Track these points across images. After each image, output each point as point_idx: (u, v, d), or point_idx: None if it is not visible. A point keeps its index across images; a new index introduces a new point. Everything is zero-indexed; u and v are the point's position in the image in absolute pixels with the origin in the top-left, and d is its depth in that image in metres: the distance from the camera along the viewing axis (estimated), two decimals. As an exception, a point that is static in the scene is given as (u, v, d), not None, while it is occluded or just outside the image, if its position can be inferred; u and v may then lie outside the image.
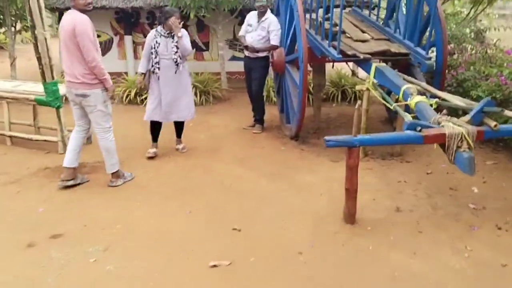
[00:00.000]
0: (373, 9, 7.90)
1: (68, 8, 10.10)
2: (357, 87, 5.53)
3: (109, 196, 4.42)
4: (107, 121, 4.57)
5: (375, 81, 5.32)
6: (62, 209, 4.15)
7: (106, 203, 4.27)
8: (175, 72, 5.24)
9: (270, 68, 6.72)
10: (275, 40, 6.30)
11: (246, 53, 6.52)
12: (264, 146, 6.04)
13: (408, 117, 4.08)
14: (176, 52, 5.20)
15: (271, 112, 7.43)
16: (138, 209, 4.14)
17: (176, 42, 5.19)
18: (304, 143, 6.11)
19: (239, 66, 9.80)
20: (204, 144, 6.13)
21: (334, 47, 5.58)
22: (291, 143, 6.13)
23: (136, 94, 8.43)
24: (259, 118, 6.73)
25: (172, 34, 5.22)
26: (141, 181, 4.80)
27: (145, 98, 7.89)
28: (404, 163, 5.40)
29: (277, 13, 6.79)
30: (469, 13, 9.16)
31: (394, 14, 6.91)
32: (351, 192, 3.85)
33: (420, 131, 3.74)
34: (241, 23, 10.33)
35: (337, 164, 5.31)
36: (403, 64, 5.90)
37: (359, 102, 3.55)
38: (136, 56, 10.26)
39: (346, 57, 5.53)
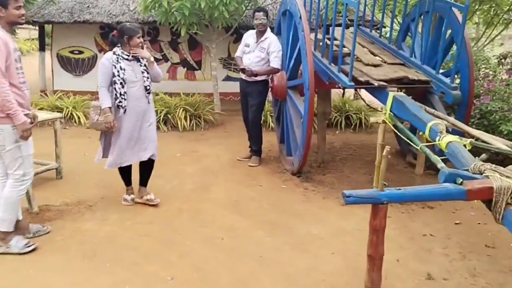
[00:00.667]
0: (378, 28, 7.23)
1: (48, 22, 9.41)
2: (372, 120, 4.77)
3: (72, 254, 3.57)
4: (20, 168, 3.43)
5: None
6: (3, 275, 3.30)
7: (63, 264, 3.41)
8: (148, 102, 4.29)
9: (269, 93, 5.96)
10: (275, 63, 5.55)
11: (243, 76, 5.76)
12: (262, 184, 5.24)
13: (442, 165, 3.32)
14: (148, 78, 4.24)
15: (269, 140, 6.66)
16: (105, 274, 3.30)
17: (144, 66, 4.24)
18: (308, 180, 5.32)
19: (233, 87, 9.06)
20: (192, 180, 5.32)
21: (344, 73, 4.84)
22: (292, 180, 5.33)
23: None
24: (256, 149, 5.94)
25: (136, 56, 4.19)
26: (114, 232, 3.96)
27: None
28: (426, 209, 4.63)
29: (277, 32, 6.05)
30: (482, 35, 8.50)
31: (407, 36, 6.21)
32: (375, 261, 3.04)
33: (461, 183, 2.97)
34: (236, 40, 9.64)
35: (347, 210, 4.52)
36: (419, 92, 5.17)
37: (386, 149, 2.83)
38: (122, 75, 9.46)
39: (358, 84, 4.79)
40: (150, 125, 4.36)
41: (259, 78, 5.65)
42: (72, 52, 9.41)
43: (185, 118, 7.65)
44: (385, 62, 5.53)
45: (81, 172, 5.39)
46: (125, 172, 4.45)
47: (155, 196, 4.52)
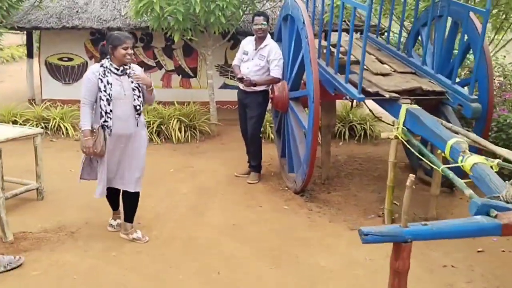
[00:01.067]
0: (383, 34, 6.83)
1: (35, 28, 8.97)
2: (383, 135, 4.34)
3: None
4: None
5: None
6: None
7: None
8: (137, 124, 3.70)
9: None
10: (276, 72, 5.13)
11: (241, 86, 5.34)
12: (262, 204, 4.80)
13: (471, 193, 2.91)
14: (139, 96, 3.65)
15: (269, 153, 6.22)
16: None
17: (137, 83, 3.64)
18: (312, 200, 4.89)
19: (230, 95, 8.62)
20: (186, 200, 4.87)
21: (352, 83, 4.43)
22: (295, 200, 4.91)
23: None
24: (255, 164, 5.51)
25: (127, 70, 3.62)
26: (97, 266, 3.52)
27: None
28: (444, 235, 4.18)
29: (278, 39, 5.63)
30: (491, 41, 8.09)
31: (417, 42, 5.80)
32: (397, 308, 2.61)
33: (495, 216, 2.55)
34: (233, 47, 9.22)
35: (357, 236, 4.06)
36: (431, 103, 4.76)
37: (410, 178, 2.40)
38: (113, 83, 9.01)
39: (367, 95, 4.37)
40: (138, 151, 3.78)
41: (258, 88, 5.23)
42: (61, 59, 8.96)
43: (180, 129, 7.20)
44: (394, 71, 5.12)
45: (65, 192, 4.94)
46: (111, 195, 3.98)
47: (143, 233, 3.97)
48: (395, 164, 4.33)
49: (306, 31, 4.40)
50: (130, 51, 3.55)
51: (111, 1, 8.43)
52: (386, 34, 6.13)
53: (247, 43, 5.32)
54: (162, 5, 6.42)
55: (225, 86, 9.17)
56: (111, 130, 3.58)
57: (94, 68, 3.60)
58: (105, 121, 3.55)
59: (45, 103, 8.30)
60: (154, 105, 7.56)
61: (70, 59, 8.96)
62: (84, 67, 9.00)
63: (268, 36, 5.23)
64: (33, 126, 7.04)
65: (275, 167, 6.00)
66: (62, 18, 8.15)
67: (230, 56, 9.04)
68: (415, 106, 4.23)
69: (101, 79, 3.51)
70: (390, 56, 5.61)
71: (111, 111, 3.54)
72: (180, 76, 9.17)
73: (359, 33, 8.81)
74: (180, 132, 7.18)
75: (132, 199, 3.85)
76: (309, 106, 4.38)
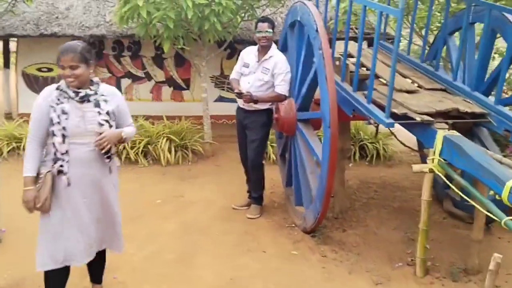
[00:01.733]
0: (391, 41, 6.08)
1: (11, 36, 8.16)
2: (415, 168, 3.53)
3: None
4: None
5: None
6: None
7: None
8: (110, 171, 2.73)
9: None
10: (282, 88, 4.35)
11: (240, 103, 4.55)
12: (266, 248, 3.99)
13: None
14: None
15: (272, 177, 5.44)
16: None
17: (106, 112, 2.63)
18: (325, 241, 4.09)
19: (227, 109, 7.88)
20: (173, 243, 4.04)
21: (376, 104, 3.65)
22: (305, 242, 4.09)
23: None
24: (256, 196, 4.70)
25: (91, 95, 2.60)
26: None
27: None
28: None
29: (283, 49, 4.85)
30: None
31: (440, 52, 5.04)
32: None
33: None
34: (230, 56, 8.44)
35: (386, 294, 3.28)
36: (465, 126, 3.98)
37: (495, 258, 1.62)
38: (97, 96, 8.19)
39: (394, 118, 3.57)
40: (108, 207, 2.75)
41: (261, 106, 4.44)
42: (39, 69, 8.14)
43: (169, 149, 6.39)
44: (420, 87, 4.35)
45: (29, 232, 4.09)
46: (55, 281, 2.74)
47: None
48: (430, 203, 3.53)
49: (320, 40, 3.61)
50: (69, 72, 2.51)
51: (95, 6, 7.65)
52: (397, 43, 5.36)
53: (248, 53, 4.53)
54: (150, 10, 5.63)
55: (220, 99, 8.41)
56: (69, 181, 2.56)
57: (46, 92, 2.58)
58: (61, 165, 2.54)
59: (22, 118, 7.46)
60: (141, 121, 6.75)
61: (50, 70, 8.15)
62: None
63: (274, 46, 4.44)
64: (3, 146, 6.22)
65: (279, 196, 5.20)
66: (40, 24, 7.36)
67: (226, 66, 8.30)
68: (455, 132, 3.45)
69: (53, 107, 2.52)
70: (413, 69, 4.85)
71: (66, 152, 2.54)
72: (172, 88, 8.39)
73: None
74: (170, 153, 6.37)
75: (101, 256, 2.99)
76: (324, 132, 3.58)
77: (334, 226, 4.43)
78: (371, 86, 3.62)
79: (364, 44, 9.69)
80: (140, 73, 8.27)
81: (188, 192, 5.31)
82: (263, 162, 4.69)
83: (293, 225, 4.42)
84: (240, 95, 4.31)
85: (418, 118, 3.57)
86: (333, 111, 3.49)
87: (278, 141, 5.30)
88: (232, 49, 8.13)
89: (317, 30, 3.67)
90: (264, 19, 4.40)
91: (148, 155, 6.44)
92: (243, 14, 6.57)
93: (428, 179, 3.50)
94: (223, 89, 8.41)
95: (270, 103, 4.48)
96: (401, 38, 5.93)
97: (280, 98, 4.37)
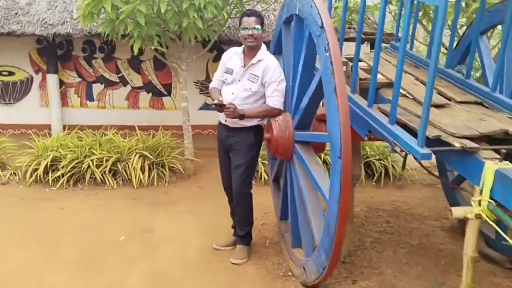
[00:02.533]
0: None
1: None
2: (456, 212, 2.60)
3: None
4: None
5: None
6: None
7: None
8: None
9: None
10: (275, 100, 3.41)
11: (222, 118, 3.60)
12: (254, 311, 3.04)
13: None
14: None
15: (263, 202, 4.55)
16: None
17: None
18: (331, 298, 3.15)
19: (213, 118, 6.84)
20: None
21: (400, 124, 2.73)
22: (305, 299, 3.16)
23: (47, 166, 5.37)
24: (243, 234, 3.75)
25: None
26: None
27: (63, 175, 4.92)
28: None
29: (275, 51, 3.91)
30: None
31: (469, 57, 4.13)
32: None
33: None
34: (217, 59, 7.49)
35: None
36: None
37: None
38: (64, 103, 7.24)
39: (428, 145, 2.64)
40: None
41: (247, 122, 3.51)
42: (-1, 73, 7.17)
43: (143, 168, 5.44)
44: (450, 100, 3.43)
45: None
46: None
47: None
48: (475, 259, 2.60)
49: (326, 39, 2.67)
50: None
51: (60, 1, 6.66)
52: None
53: (231, 56, 3.60)
54: (117, 3, 4.68)
55: (206, 106, 7.47)
56: None
57: None
58: None
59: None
60: (110, 134, 5.79)
61: (11, 73, 7.16)
62: (29, 83, 7.20)
63: (263, 47, 3.51)
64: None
65: (272, 229, 4.28)
66: (-4, 21, 6.36)
67: (212, 70, 7.35)
68: (509, 165, 2.52)
69: None
70: (436, 77, 3.92)
71: None
72: (150, 94, 7.42)
73: (366, 43, 7.21)
74: (143, 172, 5.42)
75: None
76: (333, 163, 2.64)
77: (342, 274, 3.49)
78: (395, 101, 2.69)
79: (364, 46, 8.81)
80: (114, 78, 7.30)
81: (161, 224, 4.35)
82: (251, 192, 3.74)
83: (290, 273, 3.48)
84: (221, 108, 3.37)
85: (457, 144, 2.64)
86: (345, 136, 2.55)
87: (270, 162, 4.36)
88: (219, 51, 7.19)
89: (322, 26, 2.73)
90: (251, 13, 3.46)
91: (118, 175, 5.48)
92: (230, 10, 5.63)
93: (473, 228, 2.57)
94: (209, 95, 7.45)
95: (259, 119, 3.55)
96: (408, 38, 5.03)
97: (272, 113, 3.43)
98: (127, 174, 5.43)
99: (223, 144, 3.69)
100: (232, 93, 3.51)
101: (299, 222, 3.34)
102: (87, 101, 7.31)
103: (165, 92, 7.44)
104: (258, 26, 3.38)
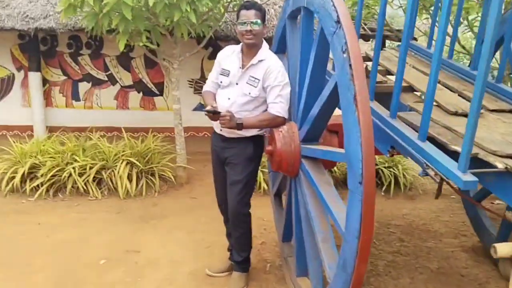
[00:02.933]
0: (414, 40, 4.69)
1: None
2: (501, 251, 2.13)
3: None
4: None
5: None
6: None
7: None
8: None
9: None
10: (278, 107, 2.93)
11: (216, 127, 3.12)
12: None
13: None
14: None
15: (262, 216, 4.09)
16: None
17: None
18: None
19: (208, 119, 6.42)
20: None
21: (432, 141, 2.26)
22: None
23: (25, 174, 4.87)
24: (240, 260, 3.27)
25: None
26: None
27: (42, 184, 4.44)
28: None
29: (278, 50, 3.43)
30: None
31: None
32: None
33: None
34: (213, 56, 7.02)
35: None
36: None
37: None
38: (48, 103, 6.74)
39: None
40: None
41: (246, 133, 3.02)
42: (-23, 71, 6.66)
43: (130, 177, 4.95)
44: (481, 107, 2.94)
45: None
46: None
47: None
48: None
49: (344, 37, 2.18)
50: None
51: (43, -8, 6.14)
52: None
53: (227, 56, 3.11)
54: (100, -6, 4.18)
55: (200, 107, 6.99)
56: None
57: None
58: None
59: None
60: (95, 139, 5.30)
61: (-10, 72, 6.65)
62: (10, 81, 6.69)
63: (265, 45, 3.03)
64: None
65: (273, 250, 3.81)
66: (-28, 15, 5.85)
67: (208, 68, 6.89)
68: None
69: None
70: (458, 79, 3.46)
71: None
72: (141, 94, 6.93)
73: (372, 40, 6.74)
74: (131, 181, 4.93)
75: None
76: (351, 191, 2.15)
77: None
78: (427, 113, 2.21)
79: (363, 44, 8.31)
80: (102, 76, 6.81)
81: (148, 243, 3.87)
82: (249, 212, 3.26)
83: (294, 307, 3.01)
84: (215, 116, 2.88)
85: (500, 165, 2.17)
86: (368, 157, 2.06)
87: (272, 174, 3.88)
88: (215, 47, 6.71)
89: (338, 21, 2.25)
90: (249, 5, 2.96)
91: (102, 184, 4.99)
92: (227, 3, 5.14)
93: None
94: (204, 96, 6.96)
95: (260, 129, 3.07)
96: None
97: (275, 122, 2.95)
98: (112, 183, 4.94)
99: (218, 156, 3.21)
100: (229, 99, 3.02)
101: (306, 248, 2.87)
102: (73, 101, 6.81)
103: (156, 92, 6.94)
104: (258, 21, 2.89)
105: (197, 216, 4.47)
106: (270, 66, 2.92)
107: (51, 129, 6.55)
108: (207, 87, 3.23)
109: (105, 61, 6.75)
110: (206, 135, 6.90)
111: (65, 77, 6.75)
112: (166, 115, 6.78)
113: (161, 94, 6.94)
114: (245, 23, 2.88)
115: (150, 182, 5.05)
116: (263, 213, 4.30)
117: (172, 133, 5.77)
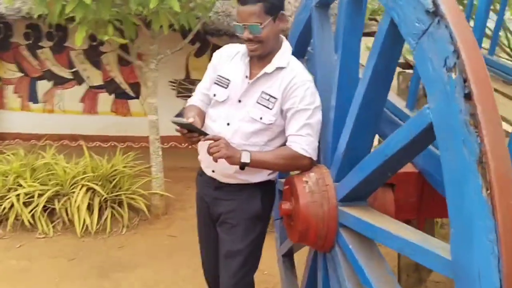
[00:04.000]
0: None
1: None
2: None
3: None
4: None
5: None
6: None
7: None
8: None
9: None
10: (304, 143, 1.89)
11: (205, 164, 2.06)
12: None
13: None
14: None
15: (263, 266, 3.00)
16: None
17: None
18: None
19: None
20: None
21: None
22: None
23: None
24: None
25: None
26: None
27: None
28: None
29: (297, 53, 2.34)
30: None
31: None
32: None
33: None
34: (200, 53, 5.93)
35: None
36: None
37: None
38: (0, 104, 5.61)
39: None
40: None
41: (252, 175, 1.99)
42: None
43: (91, 207, 3.87)
44: None
45: None
46: None
47: None
48: None
49: (452, 40, 1.14)
50: None
51: (-8, -30, 4.97)
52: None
53: (228, 57, 2.05)
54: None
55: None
56: None
57: None
58: None
59: None
60: (50, 154, 4.20)
61: None
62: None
63: (286, 45, 1.98)
64: None
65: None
66: None
67: (194, 67, 5.82)
68: None
69: None
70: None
71: None
72: (113, 96, 5.81)
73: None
74: (92, 213, 3.84)
75: None
76: None
77: None
78: None
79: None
80: (66, 73, 5.67)
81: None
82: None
83: None
84: (191, 136, 1.83)
85: None
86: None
87: (279, 224, 2.82)
88: (204, 43, 5.64)
89: (435, 11, 1.20)
90: None
91: (55, 216, 3.90)
92: (219, -12, 4.08)
93: None
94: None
95: (272, 171, 2.04)
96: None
97: (297, 164, 1.93)
98: (69, 214, 3.85)
99: (207, 211, 2.16)
100: (228, 124, 1.97)
101: None
102: (30, 103, 5.67)
103: (132, 94, 5.83)
104: (258, 26, 1.81)
105: (176, 266, 3.42)
106: (295, 78, 1.88)
107: (2, 137, 5.43)
108: (192, 100, 2.18)
109: (70, 55, 5.61)
110: (190, 147, 5.81)
111: (21, 74, 5.61)
112: (142, 122, 5.65)
113: (137, 97, 5.83)
114: (239, 27, 1.82)
115: (116, 214, 3.96)
116: (262, 260, 3.25)
117: (143, 152, 4.70)
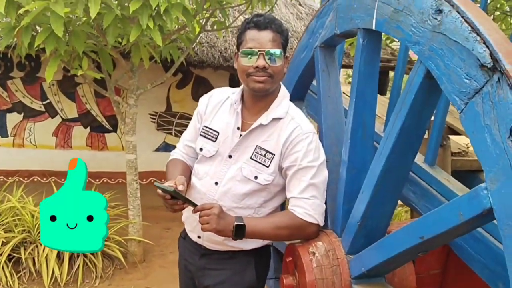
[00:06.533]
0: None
1: None
2: None
3: None
4: None
5: None
6: None
7: None
8: None
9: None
10: (310, 207, 1.60)
11: (190, 228, 1.75)
12: None
13: None
14: None
15: None
16: None
17: None
18: None
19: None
20: None
21: None
22: None
23: None
24: None
25: None
26: None
27: None
28: None
29: (297, 95, 2.08)
30: None
31: None
32: None
33: None
34: (182, 85, 5.69)
35: None
36: None
37: None
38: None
39: None
40: None
41: (246, 243, 1.67)
42: None
43: (61, 256, 3.50)
44: None
45: None
46: None
47: None
48: None
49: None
50: None
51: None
52: None
53: (217, 104, 1.77)
54: (21, 1, 2.78)
55: (165, 147, 5.61)
56: None
57: None
58: None
59: None
60: (14, 201, 3.82)
61: None
62: None
63: (283, 92, 1.71)
64: None
65: None
66: None
67: (176, 99, 5.56)
68: None
69: None
70: None
71: None
72: (88, 129, 5.48)
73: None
74: (62, 263, 3.48)
75: None
76: None
77: None
78: None
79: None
80: (38, 105, 5.34)
81: None
82: None
83: None
84: (176, 201, 1.56)
85: None
86: None
87: (273, 284, 2.51)
88: (186, 74, 5.39)
89: (494, 66, 0.96)
90: (263, 22, 1.59)
91: (21, 266, 3.51)
92: (204, 19, 3.83)
93: None
94: (170, 133, 5.58)
95: (268, 239, 1.75)
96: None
97: (302, 233, 1.65)
98: (36, 264, 3.47)
99: (190, 282, 1.85)
100: (216, 183, 1.67)
101: None
102: (-2, 137, 5.30)
103: (108, 127, 5.52)
104: (278, 51, 1.57)
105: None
106: (296, 130, 1.61)
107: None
108: (176, 153, 1.88)
109: (43, 87, 5.29)
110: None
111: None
112: (119, 157, 5.33)
113: (115, 130, 5.52)
114: (254, 53, 1.55)
115: (89, 263, 3.59)
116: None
117: (120, 193, 4.36)
